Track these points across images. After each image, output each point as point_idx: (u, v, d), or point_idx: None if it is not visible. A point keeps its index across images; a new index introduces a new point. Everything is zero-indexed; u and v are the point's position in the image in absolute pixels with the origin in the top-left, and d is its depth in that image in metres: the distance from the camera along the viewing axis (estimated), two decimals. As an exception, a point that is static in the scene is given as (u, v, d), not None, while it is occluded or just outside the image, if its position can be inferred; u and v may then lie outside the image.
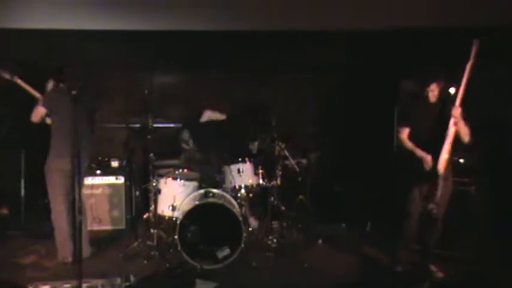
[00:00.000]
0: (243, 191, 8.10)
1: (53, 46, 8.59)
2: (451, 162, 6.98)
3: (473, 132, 6.81)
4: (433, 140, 6.86)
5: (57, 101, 7.35)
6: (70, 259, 7.44)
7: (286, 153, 8.36)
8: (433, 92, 7.01)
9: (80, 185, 7.06)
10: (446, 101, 6.93)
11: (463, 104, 6.72)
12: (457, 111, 6.69)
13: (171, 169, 8.28)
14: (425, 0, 7.91)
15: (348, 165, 8.07)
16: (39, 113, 7.36)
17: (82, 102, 6.99)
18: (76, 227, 7.28)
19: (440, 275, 7.04)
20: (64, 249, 7.48)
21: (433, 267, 7.11)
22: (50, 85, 7.56)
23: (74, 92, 6.83)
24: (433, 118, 6.97)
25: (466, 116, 6.78)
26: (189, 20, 8.14)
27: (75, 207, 7.11)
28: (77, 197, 6.89)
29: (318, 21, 8.13)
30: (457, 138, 6.81)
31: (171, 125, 9.00)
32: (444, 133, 6.77)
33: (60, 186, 7.38)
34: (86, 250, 7.52)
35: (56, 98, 7.37)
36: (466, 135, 6.80)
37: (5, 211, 8.71)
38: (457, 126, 6.74)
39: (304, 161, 8.72)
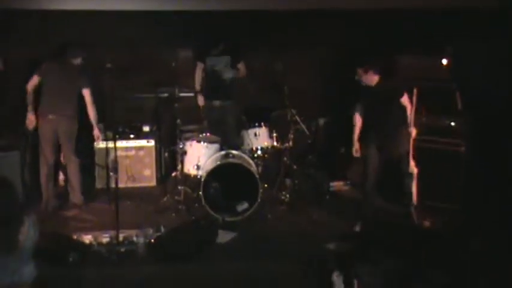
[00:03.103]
0: (259, 152, 8.16)
1: (84, 25, 8.69)
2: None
3: (465, 98, 6.88)
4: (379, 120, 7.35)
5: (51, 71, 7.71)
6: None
7: (298, 119, 8.39)
8: (360, 77, 7.37)
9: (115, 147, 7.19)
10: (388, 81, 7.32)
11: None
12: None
13: (195, 133, 8.35)
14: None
15: (351, 129, 8.10)
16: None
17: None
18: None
19: (426, 224, 7.15)
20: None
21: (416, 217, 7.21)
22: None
23: (108, 65, 6.97)
24: (375, 100, 7.32)
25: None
26: (210, 2, 8.22)
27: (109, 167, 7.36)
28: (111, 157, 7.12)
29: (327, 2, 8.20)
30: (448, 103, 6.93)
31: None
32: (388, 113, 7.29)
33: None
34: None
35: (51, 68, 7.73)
36: None
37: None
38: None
39: (313, 125, 8.75)
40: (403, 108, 7.28)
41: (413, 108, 7.07)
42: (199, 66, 8.61)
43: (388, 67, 7.68)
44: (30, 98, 7.62)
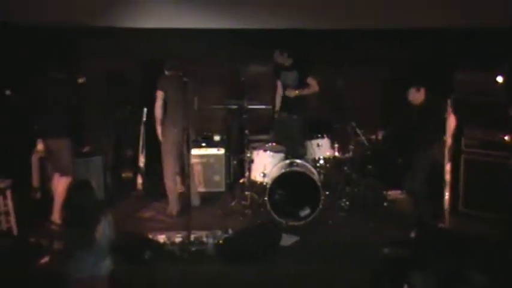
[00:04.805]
0: (321, 161, 8.11)
1: (165, 42, 8.76)
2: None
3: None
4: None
5: (169, 84, 7.55)
6: (174, 214, 7.70)
7: (358, 131, 8.32)
8: (412, 95, 7.28)
9: (189, 154, 7.18)
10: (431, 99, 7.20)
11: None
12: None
13: (262, 143, 8.35)
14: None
15: (408, 141, 7.99)
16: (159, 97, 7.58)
17: (188, 87, 7.16)
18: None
19: (478, 232, 6.95)
20: (171, 205, 7.76)
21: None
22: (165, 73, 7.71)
23: (185, 79, 7.03)
24: (418, 117, 7.24)
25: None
26: (276, 20, 8.21)
27: (185, 173, 7.37)
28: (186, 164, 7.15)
29: (383, 20, 8.11)
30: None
31: (263, 106, 9.01)
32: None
33: (171, 152, 7.65)
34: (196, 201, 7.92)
35: (169, 82, 7.58)
36: None
37: (129, 175, 8.93)
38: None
39: (373, 137, 8.62)
40: (444, 121, 7.07)
41: (455, 121, 7.03)
42: (280, 85, 8.56)
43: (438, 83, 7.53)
44: (159, 112, 7.63)
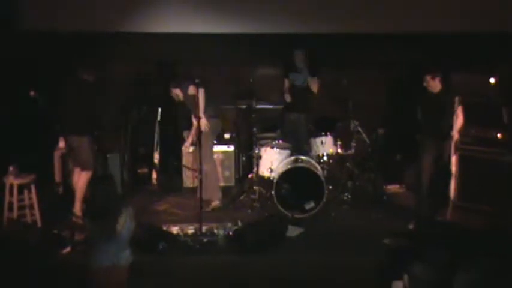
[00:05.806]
0: (325, 158, 8.17)
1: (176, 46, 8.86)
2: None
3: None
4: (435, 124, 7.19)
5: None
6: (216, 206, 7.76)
7: (359, 129, 8.39)
8: (427, 83, 7.17)
9: (200, 150, 7.25)
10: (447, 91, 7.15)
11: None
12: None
13: (269, 140, 8.39)
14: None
15: (407, 139, 8.04)
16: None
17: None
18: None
19: (475, 224, 6.90)
20: (214, 197, 7.83)
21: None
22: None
23: (197, 80, 7.12)
24: (436, 106, 7.17)
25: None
26: (284, 24, 8.27)
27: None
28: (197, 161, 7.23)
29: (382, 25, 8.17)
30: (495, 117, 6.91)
31: (270, 106, 9.10)
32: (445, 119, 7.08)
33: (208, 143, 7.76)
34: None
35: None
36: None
37: (145, 171, 9.01)
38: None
39: (373, 135, 8.69)
40: (452, 116, 7.11)
41: (463, 118, 7.02)
42: (287, 83, 8.58)
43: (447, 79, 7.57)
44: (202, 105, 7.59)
